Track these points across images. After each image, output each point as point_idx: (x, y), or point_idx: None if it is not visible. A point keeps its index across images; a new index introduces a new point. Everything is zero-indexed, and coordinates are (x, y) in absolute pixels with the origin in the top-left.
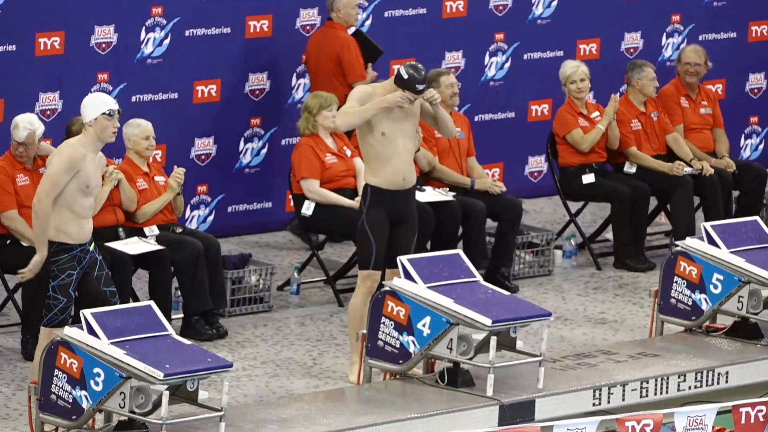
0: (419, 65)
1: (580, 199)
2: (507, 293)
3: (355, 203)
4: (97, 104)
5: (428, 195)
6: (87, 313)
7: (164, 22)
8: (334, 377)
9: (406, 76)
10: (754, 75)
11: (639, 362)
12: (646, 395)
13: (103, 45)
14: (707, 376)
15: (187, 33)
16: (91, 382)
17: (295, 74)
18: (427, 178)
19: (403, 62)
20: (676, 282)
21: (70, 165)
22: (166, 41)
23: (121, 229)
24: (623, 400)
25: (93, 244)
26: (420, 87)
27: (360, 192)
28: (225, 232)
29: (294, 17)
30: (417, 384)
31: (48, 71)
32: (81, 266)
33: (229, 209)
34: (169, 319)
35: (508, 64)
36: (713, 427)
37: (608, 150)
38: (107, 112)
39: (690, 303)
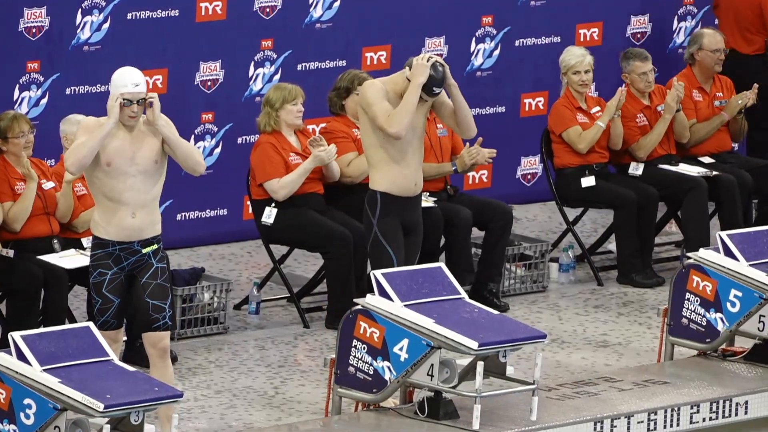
0: (439, 63)
1: (579, 205)
2: (496, 312)
3: (313, 158)
4: (116, 83)
5: None
6: (16, 335)
7: (103, 3)
8: (298, 408)
9: None
10: None
11: (646, 391)
12: (655, 428)
13: (34, 30)
14: (724, 407)
15: (129, 16)
16: (21, 414)
17: (253, 63)
18: None
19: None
20: (689, 299)
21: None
22: (105, 25)
23: (56, 241)
24: None
25: (154, 246)
26: (437, 90)
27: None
28: (174, 243)
29: (252, 1)
30: (393, 416)
31: None
32: (120, 267)
33: (179, 217)
34: None
35: (497, 52)
36: None
37: (611, 149)
38: (122, 101)
39: (704, 323)
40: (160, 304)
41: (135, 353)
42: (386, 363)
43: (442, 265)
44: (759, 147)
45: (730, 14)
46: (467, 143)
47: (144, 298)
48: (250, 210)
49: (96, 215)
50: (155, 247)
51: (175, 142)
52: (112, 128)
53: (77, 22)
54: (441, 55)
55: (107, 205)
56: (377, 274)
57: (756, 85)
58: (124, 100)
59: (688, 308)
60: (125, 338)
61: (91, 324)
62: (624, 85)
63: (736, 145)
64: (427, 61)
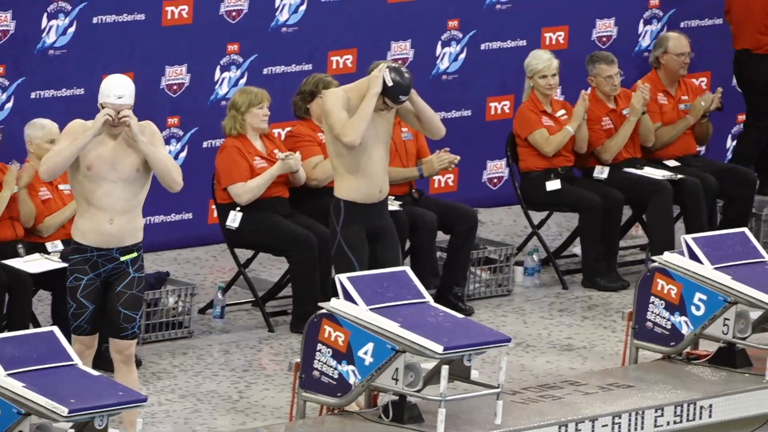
0: (404, 70)
1: (545, 208)
2: (461, 316)
3: (280, 163)
4: (102, 90)
5: None
6: None
7: (68, 7)
8: (263, 413)
9: (390, 84)
10: None
11: (610, 394)
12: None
13: None
14: (688, 410)
15: (95, 20)
16: None
17: (219, 67)
18: None
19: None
20: (653, 303)
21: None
22: (71, 29)
23: (20, 245)
24: None
25: (133, 254)
26: (403, 98)
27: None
28: None
29: (218, 3)
30: (358, 420)
31: None
32: (96, 273)
33: (144, 221)
34: None
35: (463, 55)
36: None
37: (576, 153)
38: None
39: (669, 326)
40: (131, 314)
41: (100, 357)
42: (351, 367)
43: (407, 268)
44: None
45: (742, 15)
46: (437, 150)
47: (117, 307)
48: (215, 214)
49: (76, 220)
50: (134, 255)
51: (154, 159)
52: (90, 140)
53: (43, 26)
54: (407, 59)
55: (86, 209)
56: (342, 278)
57: (720, 89)
58: (107, 115)
59: (652, 312)
60: None
61: (55, 328)
62: (589, 88)
63: (702, 149)
64: (388, 69)
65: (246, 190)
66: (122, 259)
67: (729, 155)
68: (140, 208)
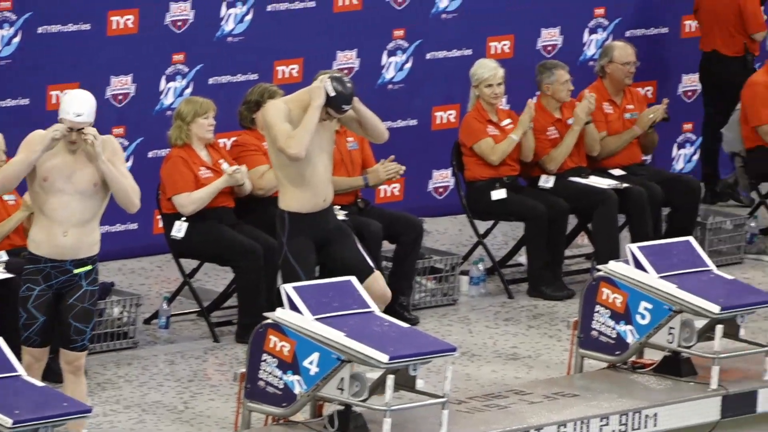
0: (346, 79)
1: (490, 217)
2: (406, 325)
3: (226, 177)
4: (62, 106)
5: None
6: None
7: (14, 17)
8: (208, 423)
9: (333, 94)
10: (687, 76)
11: (556, 403)
12: None
13: None
14: (633, 419)
15: (39, 30)
16: None
17: (164, 77)
18: None
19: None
20: (598, 312)
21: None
22: (16, 39)
23: None
24: None
25: (87, 267)
26: (346, 107)
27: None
28: None
29: (163, 12)
30: (303, 430)
31: None
32: (48, 284)
33: None
34: (19, 358)
35: (408, 65)
36: None
37: (522, 162)
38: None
39: (614, 335)
40: (82, 327)
41: (47, 368)
42: (296, 377)
43: (352, 278)
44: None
45: (711, 16)
46: (383, 159)
47: (68, 319)
48: (161, 224)
49: (31, 230)
50: (89, 268)
51: (112, 179)
52: (39, 156)
53: None
54: (352, 68)
55: (42, 220)
56: (287, 288)
57: (666, 100)
58: (55, 132)
59: (598, 321)
60: None
61: (0, 339)
62: (536, 97)
63: (648, 158)
64: (329, 78)
65: (191, 201)
66: (76, 271)
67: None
68: (97, 222)
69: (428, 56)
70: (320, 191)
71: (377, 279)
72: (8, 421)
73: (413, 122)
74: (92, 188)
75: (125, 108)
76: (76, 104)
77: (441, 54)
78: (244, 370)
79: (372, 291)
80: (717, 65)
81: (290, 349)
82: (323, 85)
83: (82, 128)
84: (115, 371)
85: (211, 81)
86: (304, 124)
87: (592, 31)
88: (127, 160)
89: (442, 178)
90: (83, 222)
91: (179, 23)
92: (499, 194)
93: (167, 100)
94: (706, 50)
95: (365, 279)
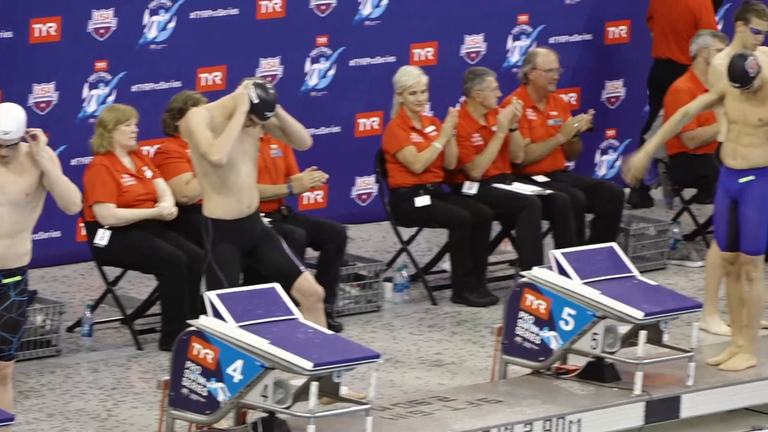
0: (269, 86)
1: (414, 224)
2: (330, 332)
3: (157, 209)
4: None
5: None
6: None
7: None
8: (131, 430)
9: (256, 100)
10: (611, 82)
11: (480, 409)
12: None
13: None
14: (557, 425)
15: None
16: None
17: (87, 84)
18: None
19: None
20: (522, 318)
21: None
22: None
23: None
24: None
25: (17, 278)
26: (269, 114)
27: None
28: None
29: (85, 20)
30: None
31: None
32: None
33: None
34: None
35: (332, 72)
36: None
37: (445, 169)
38: None
39: (538, 341)
40: (8, 337)
41: None
42: (220, 384)
43: (276, 285)
44: None
45: (665, 24)
46: (307, 169)
47: None
48: (84, 232)
49: None
50: (18, 278)
51: (55, 179)
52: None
53: None
54: (276, 75)
55: None
56: (211, 296)
57: (592, 111)
58: None
59: (521, 327)
60: None
61: None
62: (460, 104)
63: (572, 164)
64: (253, 85)
65: (113, 215)
66: (4, 281)
67: (601, 170)
68: (29, 233)
69: (352, 63)
70: (244, 198)
71: (307, 278)
72: None
73: (336, 129)
74: (24, 199)
75: (48, 116)
76: (4, 122)
77: (364, 61)
78: (167, 377)
79: (303, 290)
80: (669, 72)
81: (214, 356)
82: (247, 91)
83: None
84: (38, 379)
85: (134, 88)
86: (227, 130)
87: (516, 37)
88: None
89: (366, 185)
90: (15, 233)
91: (102, 31)
92: (422, 201)
93: (90, 107)
94: (659, 57)
95: (295, 280)
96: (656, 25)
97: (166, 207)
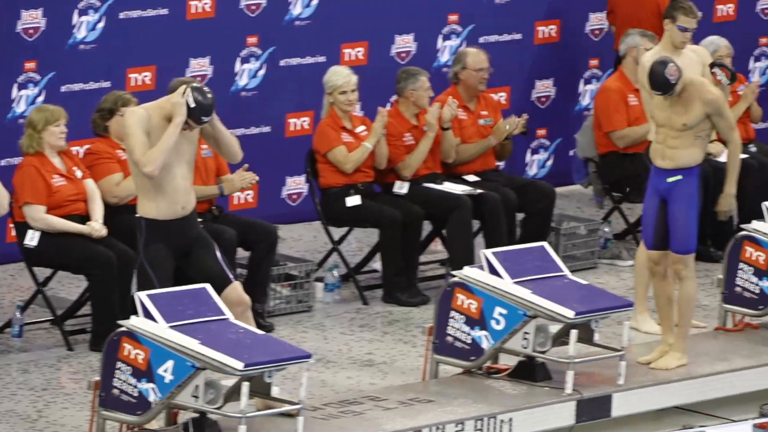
0: (207, 90)
1: (345, 224)
2: (261, 332)
3: (88, 228)
4: None
5: None
6: None
7: None
8: (62, 431)
9: (193, 105)
10: (540, 82)
11: (411, 409)
12: None
13: None
14: (488, 424)
15: None
16: None
17: (16, 84)
18: None
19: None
20: (453, 317)
21: None
22: None
23: None
24: None
25: None
26: (205, 119)
27: (94, 217)
28: None
29: (14, 20)
30: None
31: None
32: None
33: None
34: None
35: (262, 72)
36: None
37: (376, 168)
38: None
39: (469, 341)
40: None
41: None
42: (151, 385)
43: (207, 286)
44: None
45: (627, 17)
46: (238, 170)
47: None
48: (14, 232)
49: None
50: None
51: None
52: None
53: None
54: (206, 75)
55: None
56: (141, 296)
57: (526, 115)
58: None
59: (453, 326)
60: None
61: None
62: (392, 103)
63: (502, 164)
64: (190, 89)
65: (43, 221)
66: None
67: (531, 170)
68: None
69: (282, 63)
70: (178, 199)
71: (235, 288)
72: None
73: (267, 129)
74: None
75: None
76: None
77: (294, 61)
78: (98, 378)
79: (231, 300)
80: None
81: (144, 356)
82: (185, 99)
83: None
84: None
85: (63, 89)
86: (161, 142)
87: (446, 37)
88: None
89: (296, 185)
90: None
91: (30, 31)
92: (353, 201)
93: (19, 108)
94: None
95: (224, 289)
96: (618, 19)
97: (97, 228)
